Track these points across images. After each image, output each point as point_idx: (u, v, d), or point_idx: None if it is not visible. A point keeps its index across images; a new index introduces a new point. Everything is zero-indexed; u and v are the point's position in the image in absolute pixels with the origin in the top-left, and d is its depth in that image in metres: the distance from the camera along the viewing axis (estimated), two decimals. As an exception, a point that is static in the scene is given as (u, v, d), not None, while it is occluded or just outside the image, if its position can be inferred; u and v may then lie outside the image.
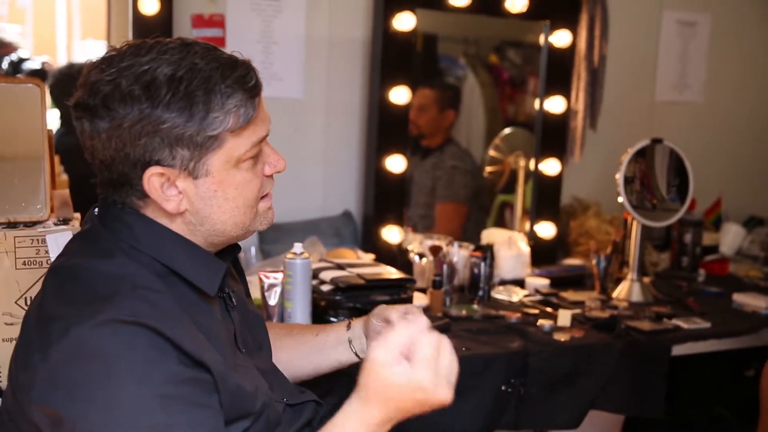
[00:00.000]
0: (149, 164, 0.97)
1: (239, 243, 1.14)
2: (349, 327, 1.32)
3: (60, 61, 3.28)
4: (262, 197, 1.07)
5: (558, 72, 2.53)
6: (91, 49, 3.13)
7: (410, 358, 0.90)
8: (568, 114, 2.57)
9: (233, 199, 1.02)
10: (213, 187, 1.00)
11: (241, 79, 0.99)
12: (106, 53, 1.00)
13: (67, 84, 2.56)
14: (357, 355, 1.31)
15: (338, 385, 1.36)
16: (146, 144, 0.95)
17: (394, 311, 1.20)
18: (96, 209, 1.07)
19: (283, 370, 1.26)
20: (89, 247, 1.02)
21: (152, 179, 0.97)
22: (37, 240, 1.43)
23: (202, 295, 1.05)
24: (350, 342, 1.31)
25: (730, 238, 2.86)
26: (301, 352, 1.33)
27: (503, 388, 1.75)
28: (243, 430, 1.01)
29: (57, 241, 1.44)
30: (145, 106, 0.94)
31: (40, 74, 2.75)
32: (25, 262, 1.42)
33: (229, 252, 1.12)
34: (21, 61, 2.81)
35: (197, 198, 1.00)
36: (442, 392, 0.91)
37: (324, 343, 1.32)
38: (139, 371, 0.88)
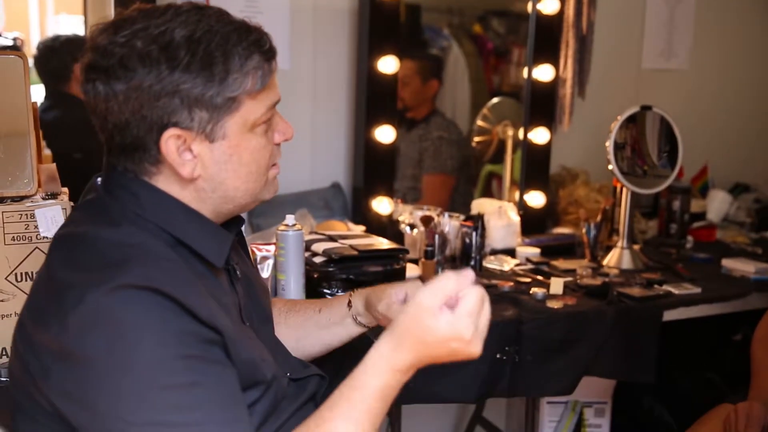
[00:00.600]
0: (167, 126, 0.96)
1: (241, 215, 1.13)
2: (350, 305, 1.32)
3: (33, 37, 3.20)
4: (272, 165, 1.07)
5: (546, 40, 2.51)
6: (65, 24, 3.07)
7: (454, 308, 0.89)
8: (557, 82, 2.56)
9: (247, 164, 1.01)
10: (229, 151, 1.00)
11: (257, 42, 0.99)
12: (115, 18, 0.98)
13: (51, 57, 2.51)
14: (367, 326, 1.32)
15: (348, 363, 1.36)
16: (165, 105, 0.95)
17: (410, 287, 1.22)
18: (99, 179, 1.06)
19: (292, 350, 1.26)
20: (96, 216, 1.01)
21: (169, 142, 0.97)
22: (26, 215, 1.41)
23: (208, 266, 1.04)
24: (355, 318, 1.32)
25: (717, 204, 2.88)
26: (308, 330, 1.33)
27: (498, 356, 1.76)
28: (253, 400, 1.01)
29: (46, 215, 1.42)
30: (164, 67, 0.93)
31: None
32: (14, 237, 1.40)
33: (234, 224, 1.11)
34: (-8, 37, 2.77)
35: (212, 162, 0.99)
36: (477, 345, 0.91)
37: (329, 320, 1.33)
38: (158, 334, 0.89)
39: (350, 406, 0.93)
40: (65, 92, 2.59)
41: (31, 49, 2.79)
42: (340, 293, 1.79)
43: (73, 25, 2.91)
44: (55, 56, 2.56)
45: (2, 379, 1.37)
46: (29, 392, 0.96)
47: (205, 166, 1.00)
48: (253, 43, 0.98)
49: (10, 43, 2.97)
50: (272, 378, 1.05)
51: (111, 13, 2.70)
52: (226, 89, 0.96)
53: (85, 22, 2.70)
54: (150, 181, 1.01)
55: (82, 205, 1.06)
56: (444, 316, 0.89)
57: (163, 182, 1.01)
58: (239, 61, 0.97)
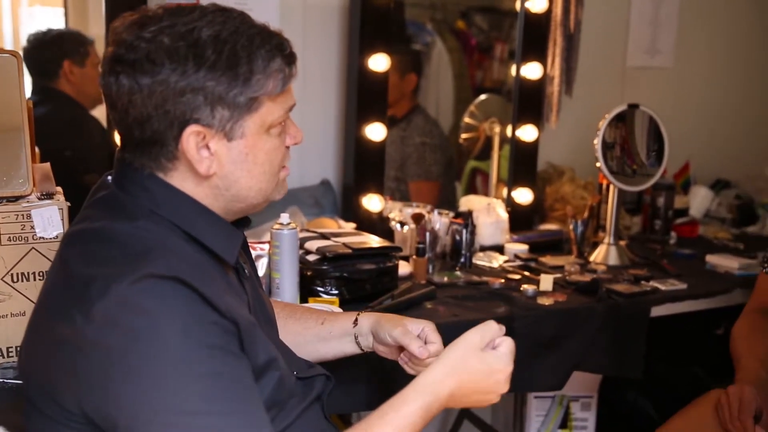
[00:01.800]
0: (188, 122, 0.98)
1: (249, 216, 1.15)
2: (355, 323, 1.34)
3: (5, 29, 3.12)
4: (282, 167, 1.09)
5: (534, 38, 2.53)
6: (40, 17, 3.01)
7: (496, 348, 1.08)
8: (545, 80, 2.58)
9: (262, 164, 1.04)
10: (245, 150, 1.02)
11: (280, 46, 1.01)
12: (139, 14, 1.00)
13: (41, 51, 2.47)
14: (362, 349, 1.34)
15: (345, 361, 1.38)
16: (188, 101, 0.97)
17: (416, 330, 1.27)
18: (109, 177, 1.07)
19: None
20: (109, 211, 1.02)
21: (190, 138, 0.99)
22: (22, 215, 1.41)
23: (220, 263, 1.06)
24: (356, 337, 1.34)
25: (699, 200, 2.93)
26: (306, 339, 1.35)
27: (490, 352, 1.79)
28: (264, 394, 1.03)
29: (43, 215, 1.42)
30: (191, 64, 0.96)
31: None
32: (10, 237, 1.40)
33: (242, 224, 1.13)
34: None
35: (228, 161, 1.02)
36: (506, 386, 1.09)
37: (329, 333, 1.35)
38: (183, 323, 0.91)
39: (398, 417, 1.02)
40: (54, 88, 2.55)
41: (3, 43, 2.74)
42: (333, 291, 1.81)
43: (49, 18, 2.86)
44: (46, 51, 2.53)
45: (1, 380, 1.37)
46: (50, 393, 0.96)
47: (221, 164, 1.02)
48: (276, 47, 1.01)
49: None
50: (280, 378, 1.07)
51: (90, 5, 2.69)
52: (248, 89, 0.99)
53: (66, 14, 2.67)
54: (166, 176, 1.03)
55: (94, 202, 1.07)
56: (490, 354, 1.07)
57: (178, 179, 1.03)
58: (263, 63, 0.99)
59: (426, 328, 1.27)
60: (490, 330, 1.08)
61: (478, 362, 1.06)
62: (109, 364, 0.90)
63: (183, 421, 0.89)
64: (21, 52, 1.48)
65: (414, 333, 1.26)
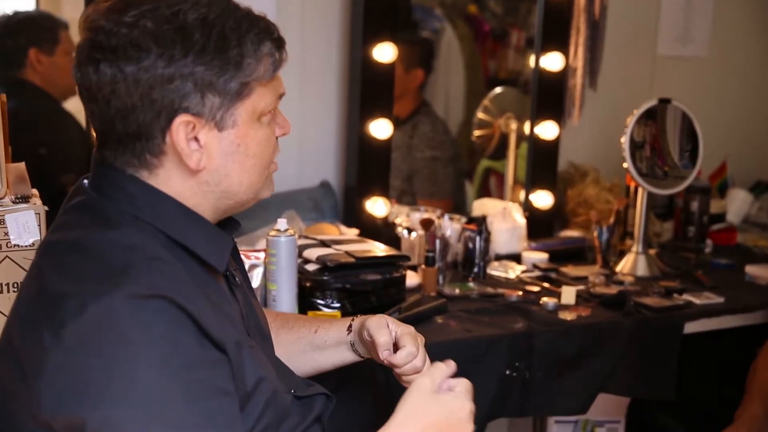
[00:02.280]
0: (177, 112, 1.00)
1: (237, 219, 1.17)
2: (349, 330, 1.37)
3: None
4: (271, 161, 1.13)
5: (555, 26, 2.54)
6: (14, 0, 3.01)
7: (452, 389, 1.11)
8: (566, 72, 2.60)
9: (253, 155, 1.07)
10: (237, 141, 1.05)
11: (268, 29, 1.05)
12: (115, 0, 1.01)
13: (5, 38, 2.48)
14: (361, 356, 1.37)
15: (348, 380, 1.40)
16: (177, 89, 0.99)
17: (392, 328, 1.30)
18: (85, 181, 1.08)
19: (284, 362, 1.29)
20: (89, 218, 1.03)
21: (180, 128, 1.00)
22: (-4, 221, 1.42)
23: (209, 271, 1.08)
24: (352, 345, 1.36)
25: (737, 205, 2.94)
26: (300, 348, 1.38)
27: (507, 372, 1.80)
28: (255, 418, 1.05)
29: (17, 221, 1.44)
30: (179, 49, 0.98)
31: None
32: (-18, 245, 1.42)
33: (230, 228, 1.15)
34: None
35: (219, 152, 1.04)
36: (469, 425, 1.10)
37: (324, 342, 1.37)
38: (161, 353, 0.92)
39: None
40: (21, 78, 2.55)
41: None
42: (335, 304, 1.82)
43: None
44: (10, 38, 2.52)
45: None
46: (19, 412, 0.97)
47: (210, 157, 1.04)
48: (264, 30, 1.04)
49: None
50: (272, 394, 1.09)
51: None
52: (240, 74, 1.02)
53: None
54: (149, 174, 1.04)
55: (70, 208, 1.08)
56: (445, 395, 1.09)
57: (163, 177, 1.04)
58: (252, 46, 1.02)
59: (401, 330, 1.28)
60: (440, 371, 1.11)
61: (435, 405, 1.08)
62: (78, 389, 0.91)
63: None
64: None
65: (388, 328, 1.29)
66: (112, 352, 0.90)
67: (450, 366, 1.12)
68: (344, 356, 1.38)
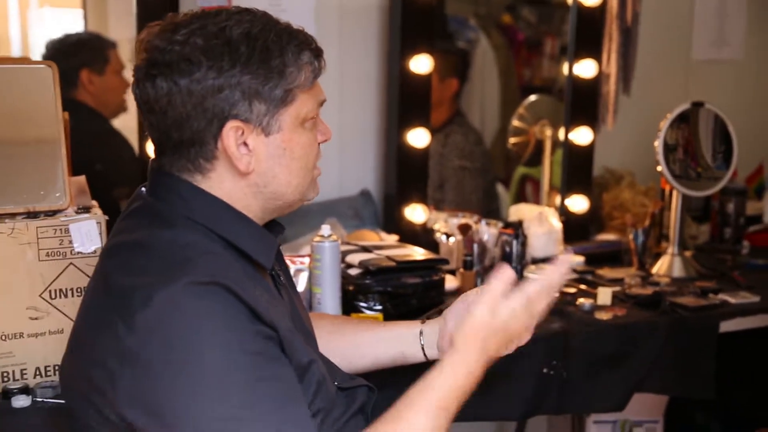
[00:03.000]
0: (227, 118, 1.10)
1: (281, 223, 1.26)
2: (423, 321, 1.43)
3: (13, 33, 3.22)
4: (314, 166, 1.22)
5: (588, 33, 2.60)
6: (51, 19, 3.09)
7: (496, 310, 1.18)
8: (600, 78, 2.65)
9: (299, 158, 1.16)
10: (283, 145, 1.14)
11: (306, 40, 1.15)
12: (167, 22, 1.12)
13: (60, 60, 2.59)
14: (424, 350, 1.41)
15: (393, 378, 1.46)
16: (226, 97, 1.09)
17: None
18: (143, 188, 1.19)
19: (342, 358, 1.39)
20: (147, 221, 1.14)
21: (230, 134, 1.10)
22: (60, 230, 1.52)
23: (257, 269, 1.17)
24: (421, 333, 1.41)
25: (774, 206, 2.95)
26: (363, 339, 1.45)
27: (545, 371, 1.86)
28: (309, 396, 1.14)
29: (81, 230, 1.54)
30: (226, 60, 1.08)
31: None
32: (48, 253, 1.52)
33: (275, 230, 1.24)
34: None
35: (266, 156, 1.14)
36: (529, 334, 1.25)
37: (389, 332, 1.44)
38: (225, 331, 1.02)
39: (427, 403, 1.12)
40: (74, 99, 2.65)
41: (11, 49, 2.83)
42: (377, 306, 1.90)
43: (61, 20, 2.95)
44: (64, 60, 2.62)
45: (39, 399, 1.48)
46: (94, 404, 1.07)
47: (259, 160, 1.13)
48: (303, 41, 1.14)
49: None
50: (321, 381, 1.17)
51: (110, 5, 2.77)
52: (283, 82, 1.12)
53: (85, 16, 2.76)
54: (203, 178, 1.14)
55: (129, 213, 1.19)
56: (502, 321, 1.18)
57: (216, 180, 1.14)
58: (293, 56, 1.12)
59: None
60: (492, 296, 1.18)
61: (493, 334, 1.17)
62: (153, 373, 1.01)
63: (227, 427, 0.99)
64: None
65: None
66: (179, 335, 1.00)
67: (502, 278, 1.17)
68: (407, 348, 1.41)
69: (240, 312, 1.04)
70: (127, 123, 2.59)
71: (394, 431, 1.10)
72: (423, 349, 1.41)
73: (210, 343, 1.01)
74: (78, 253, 1.53)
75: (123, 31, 2.57)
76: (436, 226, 2.39)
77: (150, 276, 1.04)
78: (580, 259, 2.39)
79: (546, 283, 1.20)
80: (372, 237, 2.28)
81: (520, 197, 2.92)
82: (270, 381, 1.03)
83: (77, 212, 1.56)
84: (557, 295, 1.28)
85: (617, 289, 2.15)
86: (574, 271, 2.34)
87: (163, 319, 1.01)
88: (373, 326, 1.48)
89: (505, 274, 1.18)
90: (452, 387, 1.14)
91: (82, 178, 1.67)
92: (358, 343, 1.44)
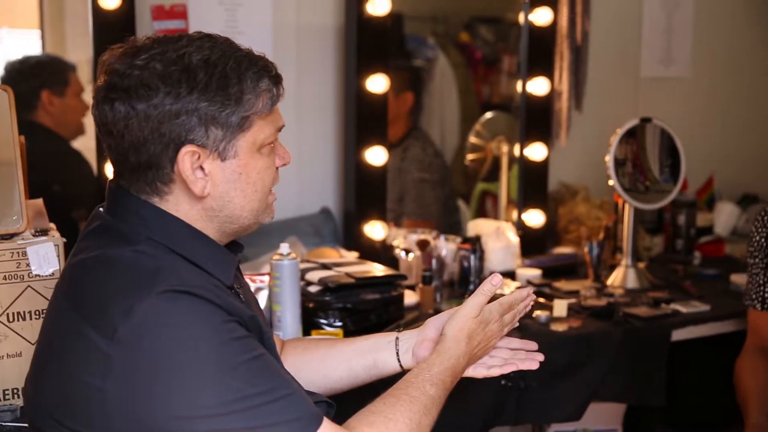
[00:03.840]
0: (183, 143, 1.11)
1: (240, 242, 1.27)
2: (399, 331, 1.45)
3: None
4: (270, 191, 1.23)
5: (539, 52, 2.66)
6: (9, 40, 3.07)
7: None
8: (552, 96, 2.71)
9: (254, 183, 1.17)
10: (238, 170, 1.15)
11: (266, 67, 1.16)
12: (127, 45, 1.14)
13: (19, 82, 2.58)
14: (399, 357, 1.39)
15: (352, 394, 1.46)
16: (183, 123, 1.10)
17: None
18: (101, 208, 1.20)
19: (313, 372, 1.42)
20: (107, 239, 1.14)
21: (185, 158, 1.11)
22: (17, 253, 1.52)
23: (219, 286, 1.17)
24: (397, 340, 1.40)
25: (725, 218, 3.03)
26: (337, 350, 1.44)
27: (503, 382, 1.89)
28: None
29: (38, 252, 1.54)
30: (184, 87, 1.09)
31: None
32: (5, 276, 1.51)
33: (234, 250, 1.25)
34: None
35: (222, 180, 1.15)
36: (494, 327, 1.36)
37: (364, 342, 1.45)
38: (208, 326, 1.05)
39: (411, 398, 1.20)
40: (33, 121, 2.64)
41: None
42: (337, 323, 1.92)
43: (19, 41, 2.94)
44: (23, 81, 2.61)
45: (3, 423, 1.48)
46: (67, 425, 1.07)
47: (215, 184, 1.15)
48: (262, 68, 1.16)
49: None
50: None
51: (69, 27, 2.76)
52: (240, 109, 1.13)
53: (42, 37, 2.76)
54: (160, 200, 1.15)
55: (88, 233, 1.19)
56: (485, 324, 1.34)
57: (173, 202, 1.15)
58: (252, 83, 1.14)
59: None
60: (476, 300, 1.34)
61: (478, 329, 1.33)
62: (147, 381, 1.02)
63: (236, 406, 1.03)
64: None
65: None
66: (166, 340, 1.02)
67: (493, 283, 1.33)
68: (381, 357, 1.41)
69: (216, 310, 1.07)
70: (86, 144, 2.58)
71: (393, 409, 1.17)
72: (398, 355, 1.39)
73: (196, 339, 1.03)
74: (36, 275, 1.53)
75: (81, 53, 2.57)
76: (395, 243, 2.42)
77: (123, 288, 1.06)
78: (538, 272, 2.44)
79: (517, 297, 1.39)
80: (332, 254, 2.30)
81: (480, 212, 2.96)
82: (264, 359, 1.08)
83: (34, 235, 1.56)
84: (527, 309, 1.43)
85: (573, 301, 2.20)
86: (532, 283, 2.38)
87: (150, 328, 1.03)
88: (350, 340, 1.50)
89: (495, 279, 1.33)
90: (445, 367, 1.26)
91: (39, 201, 1.67)
92: (333, 354, 1.45)
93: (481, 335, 1.34)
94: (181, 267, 1.12)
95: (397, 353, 1.40)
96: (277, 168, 1.23)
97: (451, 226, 2.84)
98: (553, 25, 2.68)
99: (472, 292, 2.23)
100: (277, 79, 1.18)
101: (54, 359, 1.10)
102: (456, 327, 1.32)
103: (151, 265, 1.09)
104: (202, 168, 1.13)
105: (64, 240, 1.56)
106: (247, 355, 1.06)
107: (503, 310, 1.37)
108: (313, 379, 1.41)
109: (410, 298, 2.13)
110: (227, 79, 1.11)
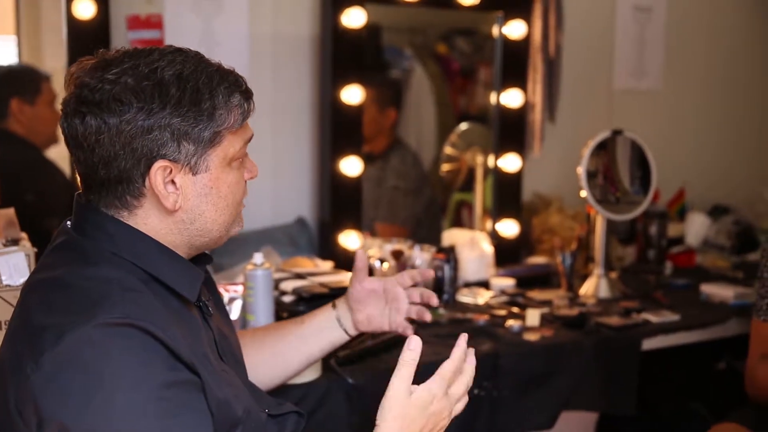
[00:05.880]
0: (155, 158, 1.10)
1: (209, 253, 1.27)
2: (334, 306, 1.54)
3: None
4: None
5: (513, 64, 2.69)
6: None
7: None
8: (526, 107, 2.73)
9: (225, 197, 1.17)
10: (209, 184, 1.15)
11: (237, 82, 1.16)
12: (98, 58, 1.12)
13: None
14: (346, 332, 1.55)
15: (312, 391, 1.49)
16: (155, 138, 1.09)
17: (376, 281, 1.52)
18: (68, 222, 1.18)
19: (270, 368, 1.43)
20: (70, 257, 1.13)
21: (158, 173, 1.11)
22: (-13, 263, 1.51)
23: (183, 302, 1.18)
24: (338, 320, 1.55)
25: (696, 228, 3.07)
26: (289, 344, 1.51)
27: (475, 392, 1.89)
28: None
29: (9, 263, 1.53)
30: (157, 102, 1.09)
31: None
32: (-25, 286, 1.50)
33: (203, 261, 1.25)
34: None
35: (194, 194, 1.15)
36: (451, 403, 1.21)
37: (311, 328, 1.53)
38: (134, 375, 1.00)
39: None
40: (5, 129, 2.62)
41: None
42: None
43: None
44: (3, 90, 2.58)
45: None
46: None
47: (186, 198, 1.14)
48: (233, 83, 1.15)
49: None
50: (245, 413, 1.17)
51: (45, 35, 2.74)
52: (212, 124, 1.13)
53: (19, 44, 2.74)
54: (129, 214, 1.14)
55: (53, 249, 1.17)
56: (417, 391, 1.16)
57: (142, 216, 1.14)
58: (223, 98, 1.14)
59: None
60: (406, 373, 1.16)
61: (417, 411, 1.15)
62: (58, 413, 0.99)
63: None
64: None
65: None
66: (86, 376, 0.99)
67: (415, 350, 1.15)
68: (333, 336, 1.55)
69: (155, 354, 1.02)
70: (60, 152, 2.56)
71: None
72: (346, 332, 1.55)
73: (118, 386, 0.99)
74: (6, 285, 1.52)
75: (57, 61, 2.55)
76: (370, 252, 2.42)
77: (64, 315, 1.03)
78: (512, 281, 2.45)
79: (456, 359, 1.21)
80: (307, 264, 2.30)
81: (456, 222, 2.98)
82: (178, 428, 1.02)
83: (5, 245, 1.55)
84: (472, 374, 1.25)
85: (546, 310, 2.21)
86: (505, 293, 2.40)
87: (72, 358, 0.99)
88: (292, 328, 1.53)
89: (412, 343, 1.16)
90: None
91: (10, 210, 1.66)
92: (285, 348, 1.50)
93: (423, 419, 1.15)
94: (139, 292, 1.09)
95: (344, 330, 1.55)
96: (245, 181, 1.23)
97: (431, 232, 2.86)
98: (527, 38, 2.70)
99: (446, 301, 2.29)
100: (248, 94, 1.18)
101: (5, 385, 1.07)
102: (389, 416, 1.13)
103: (99, 292, 1.06)
104: (173, 182, 1.13)
105: (35, 250, 1.55)
106: (161, 424, 1.00)
107: (447, 384, 1.19)
108: (273, 374, 1.47)
109: (384, 307, 2.13)
110: (199, 94, 1.11)
